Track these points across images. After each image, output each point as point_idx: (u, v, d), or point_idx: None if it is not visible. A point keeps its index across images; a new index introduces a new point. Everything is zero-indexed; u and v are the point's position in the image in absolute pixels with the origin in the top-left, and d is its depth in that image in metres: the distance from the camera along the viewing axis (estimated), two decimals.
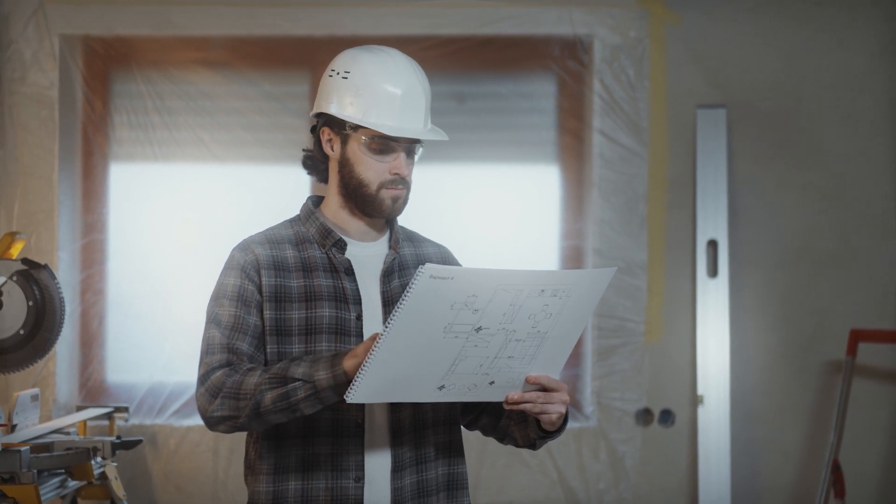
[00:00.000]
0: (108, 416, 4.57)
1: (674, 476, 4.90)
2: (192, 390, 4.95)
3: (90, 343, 5.03)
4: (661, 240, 4.91)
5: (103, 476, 4.08)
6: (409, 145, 2.62)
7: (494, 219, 5.04)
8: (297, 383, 2.43)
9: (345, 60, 2.64)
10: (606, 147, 4.91)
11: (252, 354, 2.57)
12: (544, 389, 2.47)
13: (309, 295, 2.58)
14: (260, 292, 2.59)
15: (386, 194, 2.60)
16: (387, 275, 2.63)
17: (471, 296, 2.33)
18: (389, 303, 2.59)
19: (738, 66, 4.94)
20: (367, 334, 2.56)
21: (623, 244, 4.91)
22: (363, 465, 2.55)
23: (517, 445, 2.69)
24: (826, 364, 4.90)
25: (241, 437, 4.92)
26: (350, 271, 2.61)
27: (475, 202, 5.06)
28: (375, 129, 2.56)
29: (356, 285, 2.60)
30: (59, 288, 3.63)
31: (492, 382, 2.45)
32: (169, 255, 5.05)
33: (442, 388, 2.43)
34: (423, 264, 2.28)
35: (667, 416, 4.89)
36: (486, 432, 2.77)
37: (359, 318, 2.57)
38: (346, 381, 2.37)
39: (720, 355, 4.82)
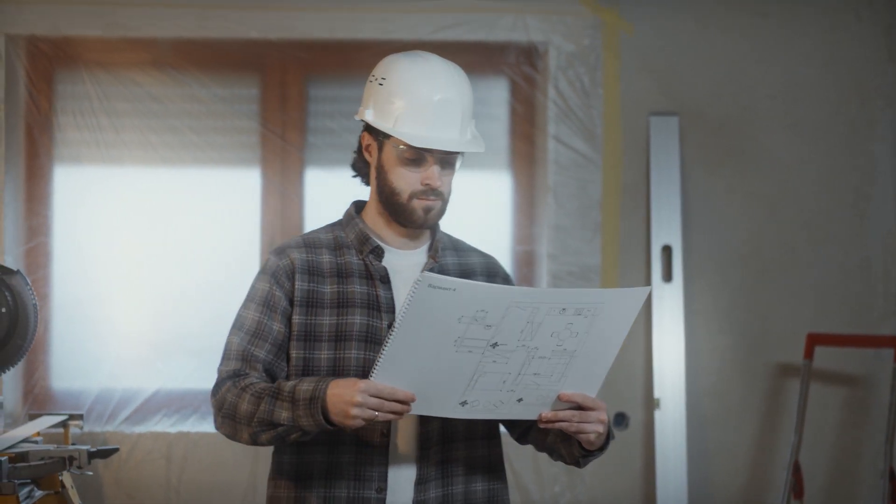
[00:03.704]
0: (63, 423, 4.46)
1: (628, 478, 4.97)
2: (142, 397, 4.88)
3: (35, 349, 4.90)
4: (615, 245, 4.98)
5: (61, 485, 4.00)
6: (443, 156, 2.57)
7: (445, 223, 5.05)
8: (285, 426, 2.43)
9: (383, 66, 2.62)
10: (561, 153, 4.96)
11: (270, 361, 2.56)
12: (581, 408, 2.45)
13: (341, 301, 2.56)
14: (289, 299, 2.57)
15: (418, 204, 2.57)
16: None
17: (480, 310, 2.30)
18: None
19: (688, 74, 5.03)
20: None
21: (577, 249, 4.96)
22: (386, 476, 2.53)
23: (566, 462, 2.65)
24: (775, 367, 5.01)
25: (195, 443, 4.87)
26: (386, 279, 2.59)
27: None
28: (402, 139, 2.53)
29: (391, 294, 2.58)
30: (33, 294, 3.54)
31: (520, 399, 2.41)
32: (115, 258, 4.96)
33: (464, 403, 2.40)
34: (422, 273, 2.27)
35: (621, 420, 4.95)
36: (537, 447, 2.72)
37: (390, 326, 2.53)
38: (329, 421, 2.38)
39: (676, 359, 4.89)
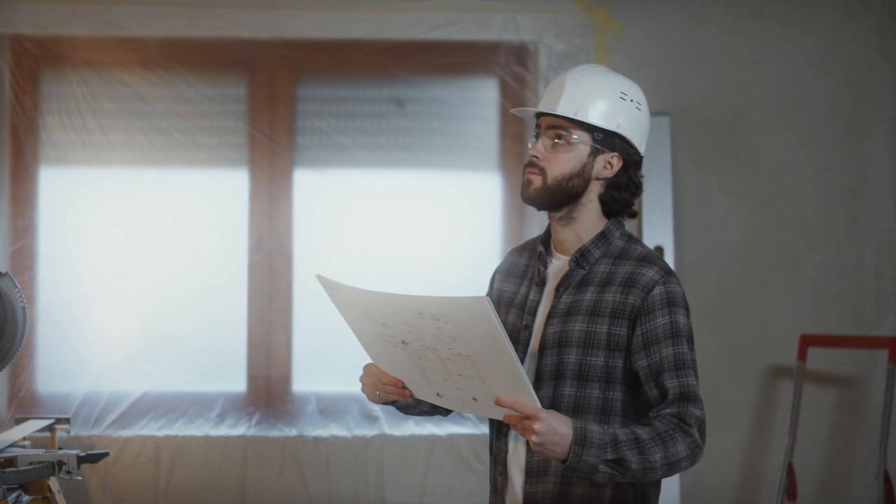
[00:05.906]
0: (49, 427, 4.40)
1: None
2: (129, 400, 4.83)
3: (20, 352, 4.83)
4: None
5: (48, 489, 3.94)
6: (549, 130, 2.56)
7: (435, 225, 5.01)
8: None
9: None
10: None
11: None
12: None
13: (509, 301, 2.67)
14: (493, 298, 2.73)
15: (525, 177, 2.59)
16: (558, 289, 2.58)
17: (364, 309, 2.40)
18: (552, 316, 2.55)
19: (681, 74, 5.00)
20: (531, 345, 2.58)
21: None
22: (505, 461, 2.60)
23: None
24: (769, 368, 4.98)
25: (183, 446, 4.80)
26: (542, 283, 2.62)
27: (415, 208, 5.03)
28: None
29: (538, 298, 2.60)
30: (21, 297, 3.47)
31: (474, 399, 2.41)
32: (101, 260, 4.91)
33: (439, 395, 2.49)
34: (316, 274, 2.45)
35: None
36: None
37: (526, 327, 2.59)
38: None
39: None
